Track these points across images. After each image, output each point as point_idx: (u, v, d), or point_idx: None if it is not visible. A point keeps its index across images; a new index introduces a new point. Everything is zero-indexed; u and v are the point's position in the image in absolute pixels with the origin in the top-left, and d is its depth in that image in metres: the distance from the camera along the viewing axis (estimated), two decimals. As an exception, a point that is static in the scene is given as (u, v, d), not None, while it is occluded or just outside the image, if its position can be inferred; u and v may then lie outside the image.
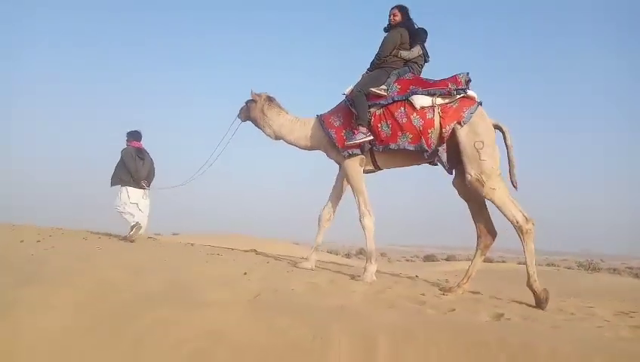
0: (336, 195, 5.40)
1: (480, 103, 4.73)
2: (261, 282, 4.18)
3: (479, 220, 4.79)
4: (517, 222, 4.35)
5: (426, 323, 3.26)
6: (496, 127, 4.71)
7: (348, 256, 31.91)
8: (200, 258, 5.52)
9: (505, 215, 4.43)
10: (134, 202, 7.27)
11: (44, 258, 4.68)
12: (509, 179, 4.65)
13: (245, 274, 4.49)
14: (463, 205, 4.91)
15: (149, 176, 7.56)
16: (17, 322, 3.20)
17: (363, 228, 4.98)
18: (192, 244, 8.18)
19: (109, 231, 8.20)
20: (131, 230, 7.06)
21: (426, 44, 5.24)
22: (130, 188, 7.27)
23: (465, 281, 4.81)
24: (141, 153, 7.56)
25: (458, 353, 2.85)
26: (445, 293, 4.62)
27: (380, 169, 5.19)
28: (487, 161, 4.41)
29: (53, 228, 8.11)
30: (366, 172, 5.15)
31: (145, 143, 7.79)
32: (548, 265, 28.17)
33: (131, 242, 6.95)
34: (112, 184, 7.38)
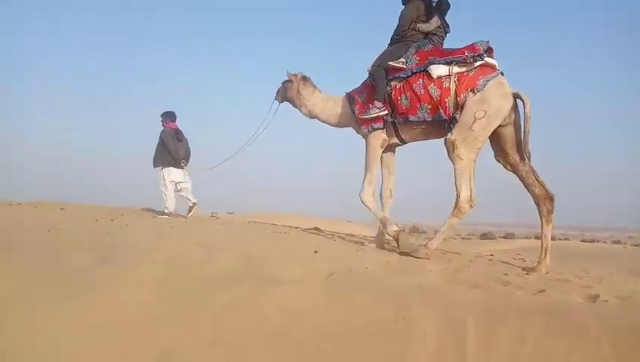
0: (389, 170, 5.44)
1: (501, 73, 4.65)
2: (333, 261, 4.09)
3: (532, 186, 4.65)
4: (459, 196, 4.45)
5: (517, 305, 3.05)
6: (517, 96, 4.58)
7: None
8: (268, 236, 5.51)
9: (455, 184, 4.49)
10: (176, 181, 7.54)
11: (121, 236, 4.81)
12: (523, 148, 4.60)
13: (316, 252, 4.41)
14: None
15: (187, 156, 7.76)
16: (100, 299, 3.27)
17: (363, 202, 5.10)
18: (254, 223, 8.25)
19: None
20: (189, 211, 7.42)
21: (447, 17, 5.21)
22: (172, 169, 7.52)
23: (544, 255, 4.58)
24: (179, 134, 7.77)
25: (555, 337, 2.64)
26: (529, 273, 4.37)
27: (405, 142, 5.22)
28: (474, 132, 4.42)
29: (123, 208, 8.42)
30: (392, 145, 5.24)
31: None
32: (614, 242, 26.46)
33: (167, 215, 7.35)
34: (155, 165, 7.64)
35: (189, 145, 7.97)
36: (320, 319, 2.89)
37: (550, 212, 4.60)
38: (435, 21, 5.08)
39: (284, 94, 5.90)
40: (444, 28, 5.18)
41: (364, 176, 5.13)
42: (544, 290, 3.50)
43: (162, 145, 7.60)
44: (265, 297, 3.06)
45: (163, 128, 7.75)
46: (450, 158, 4.55)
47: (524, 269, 4.53)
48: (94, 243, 4.49)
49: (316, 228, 7.59)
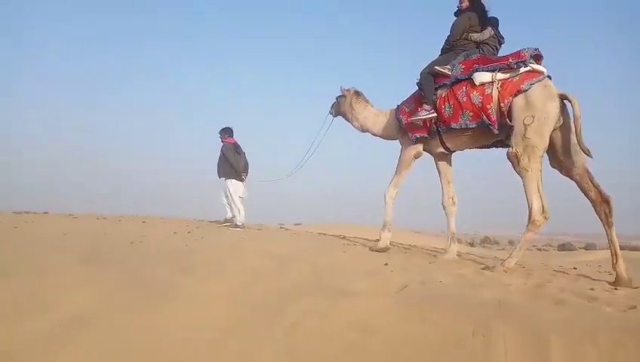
0: (447, 180, 5.47)
1: (548, 77, 4.58)
2: (405, 273, 4.02)
3: (588, 191, 4.52)
4: (531, 209, 4.30)
5: (606, 322, 2.83)
6: (564, 97, 4.46)
7: (472, 244, 30.49)
8: (337, 247, 5.51)
9: (526, 198, 4.37)
10: (237, 193, 7.96)
11: (197, 248, 4.99)
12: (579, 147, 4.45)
13: (386, 264, 4.36)
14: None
15: (246, 169, 8.16)
16: (179, 309, 3.42)
17: (384, 197, 5.33)
18: (323, 234, 8.30)
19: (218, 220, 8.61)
20: (224, 222, 7.84)
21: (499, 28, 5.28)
22: (233, 181, 7.93)
23: (616, 261, 4.33)
24: (237, 148, 8.21)
25: (652, 359, 2.42)
26: (616, 287, 4.07)
27: (451, 151, 5.29)
28: (531, 140, 4.31)
29: (197, 221, 8.77)
30: (439, 154, 5.34)
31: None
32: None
33: (240, 228, 7.67)
34: (220, 176, 8.11)
35: (247, 159, 8.35)
36: (392, 333, 2.83)
37: (608, 215, 4.43)
38: (488, 31, 5.16)
39: (338, 109, 6.10)
40: (499, 38, 5.24)
41: (392, 178, 5.33)
42: (635, 307, 3.23)
43: (224, 159, 8.02)
44: (336, 310, 3.04)
45: (223, 143, 8.19)
46: (516, 172, 4.46)
47: (611, 284, 4.21)
48: (173, 254, 4.69)
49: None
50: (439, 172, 5.42)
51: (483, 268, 4.59)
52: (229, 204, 8.00)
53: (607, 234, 4.44)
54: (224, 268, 3.96)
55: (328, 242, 6.09)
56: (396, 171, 5.37)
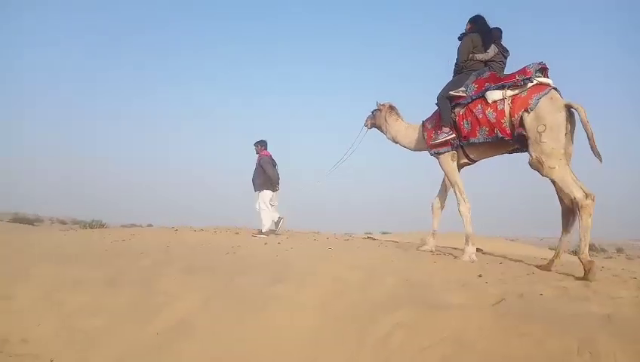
0: (445, 189, 5.89)
1: (554, 88, 4.80)
2: (501, 285, 3.83)
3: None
4: (575, 198, 4.48)
5: None
6: (569, 106, 4.67)
7: (575, 252, 28.19)
8: (426, 258, 5.39)
9: (565, 192, 4.59)
10: (272, 203, 8.31)
11: (287, 258, 5.13)
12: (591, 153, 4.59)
13: (480, 276, 4.18)
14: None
15: (278, 181, 8.48)
16: (271, 319, 3.53)
17: (460, 214, 5.41)
18: (409, 243, 8.14)
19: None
20: (276, 226, 8.11)
21: (502, 41, 5.63)
22: (268, 192, 8.28)
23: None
24: (273, 160, 8.54)
25: None
26: None
27: (475, 161, 5.61)
28: (547, 143, 4.57)
29: (289, 231, 9.01)
30: (463, 165, 5.64)
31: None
32: None
33: (264, 235, 8.00)
34: (257, 189, 8.41)
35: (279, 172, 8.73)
36: (489, 348, 2.71)
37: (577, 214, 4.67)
38: (492, 50, 5.51)
39: (373, 121, 6.59)
40: (503, 53, 5.57)
41: (454, 192, 5.52)
42: None
43: (262, 171, 8.35)
44: (429, 323, 2.98)
45: (261, 156, 8.52)
46: (546, 176, 4.68)
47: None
48: (266, 264, 4.86)
49: (478, 250, 7.18)
50: (443, 181, 5.85)
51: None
52: (260, 213, 8.35)
53: (564, 233, 4.95)
54: (314, 278, 4.02)
55: (417, 252, 5.97)
56: (451, 183, 5.60)
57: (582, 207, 4.45)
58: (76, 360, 3.72)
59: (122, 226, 9.32)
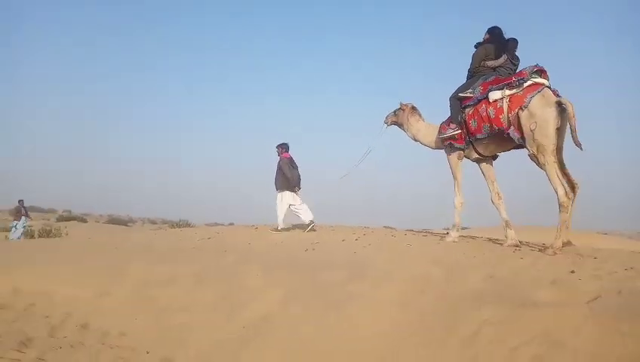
0: (490, 179, 6.23)
1: (548, 87, 5.34)
2: (596, 281, 3.56)
3: (561, 177, 5.25)
4: (557, 194, 5.10)
5: None
6: (559, 103, 5.14)
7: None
8: (511, 253, 5.14)
9: (552, 186, 5.15)
10: (290, 203, 8.60)
11: (366, 255, 5.12)
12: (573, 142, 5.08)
13: (573, 272, 3.92)
14: None
15: (299, 182, 8.79)
16: (354, 314, 3.53)
17: (454, 205, 6.20)
18: (490, 239, 7.79)
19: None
20: (309, 227, 8.49)
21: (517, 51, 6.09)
22: (287, 193, 8.57)
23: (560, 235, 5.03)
24: (292, 162, 8.87)
25: None
26: None
27: (484, 156, 6.13)
28: (538, 140, 5.15)
29: (364, 228, 8.98)
30: (476, 159, 6.22)
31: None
32: None
33: (278, 231, 8.46)
34: (277, 189, 8.72)
35: (300, 171, 9.01)
36: (585, 347, 2.53)
37: (572, 199, 5.31)
38: (502, 58, 6.02)
39: (394, 119, 7.15)
40: (512, 60, 6.04)
41: (454, 186, 6.26)
42: None
43: (281, 173, 8.67)
44: (519, 321, 2.84)
45: (280, 158, 8.83)
46: (541, 168, 5.27)
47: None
48: (345, 261, 4.88)
49: (567, 243, 6.75)
50: (483, 174, 6.24)
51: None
52: (277, 211, 8.70)
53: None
54: (394, 274, 3.98)
55: (498, 248, 5.71)
56: (453, 177, 6.27)
57: (561, 203, 5.11)
58: (169, 352, 3.95)
59: (206, 225, 9.79)
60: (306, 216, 8.72)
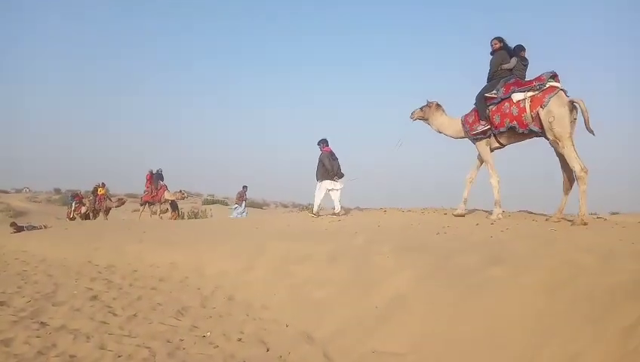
0: (477, 165, 7.58)
1: (561, 89, 6.38)
2: None
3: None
4: (574, 169, 6.13)
5: None
6: (573, 102, 6.28)
7: None
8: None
9: (569, 163, 6.21)
10: (328, 188, 9.91)
11: (503, 239, 4.86)
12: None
13: None
14: None
15: (338, 171, 10.02)
16: (489, 302, 3.37)
17: (491, 184, 7.20)
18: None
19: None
20: (334, 216, 9.74)
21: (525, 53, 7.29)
22: (325, 182, 9.88)
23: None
24: (333, 155, 10.06)
25: None
26: None
27: (504, 145, 7.27)
28: (556, 129, 6.24)
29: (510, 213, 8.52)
30: (495, 148, 7.33)
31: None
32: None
33: (315, 215, 9.99)
34: (317, 179, 10.00)
35: (340, 163, 10.21)
36: None
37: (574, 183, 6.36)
38: (514, 61, 7.15)
39: (421, 114, 8.35)
40: (522, 63, 7.18)
41: (487, 168, 7.30)
42: None
43: (321, 165, 9.89)
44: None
45: (321, 152, 10.05)
46: (560, 151, 6.29)
47: None
48: (480, 245, 4.69)
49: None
50: (485, 159, 7.33)
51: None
52: (317, 198, 10.01)
53: (564, 196, 6.67)
54: (537, 260, 3.72)
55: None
56: (485, 162, 7.35)
57: (579, 177, 6.07)
58: (307, 326, 4.16)
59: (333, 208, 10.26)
60: (337, 205, 10.00)
